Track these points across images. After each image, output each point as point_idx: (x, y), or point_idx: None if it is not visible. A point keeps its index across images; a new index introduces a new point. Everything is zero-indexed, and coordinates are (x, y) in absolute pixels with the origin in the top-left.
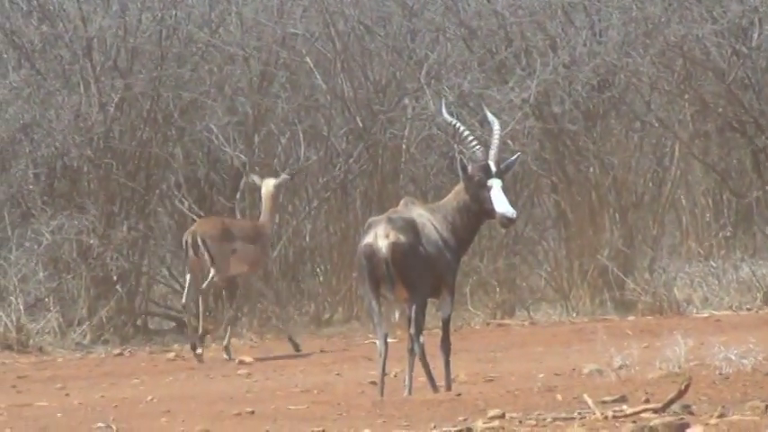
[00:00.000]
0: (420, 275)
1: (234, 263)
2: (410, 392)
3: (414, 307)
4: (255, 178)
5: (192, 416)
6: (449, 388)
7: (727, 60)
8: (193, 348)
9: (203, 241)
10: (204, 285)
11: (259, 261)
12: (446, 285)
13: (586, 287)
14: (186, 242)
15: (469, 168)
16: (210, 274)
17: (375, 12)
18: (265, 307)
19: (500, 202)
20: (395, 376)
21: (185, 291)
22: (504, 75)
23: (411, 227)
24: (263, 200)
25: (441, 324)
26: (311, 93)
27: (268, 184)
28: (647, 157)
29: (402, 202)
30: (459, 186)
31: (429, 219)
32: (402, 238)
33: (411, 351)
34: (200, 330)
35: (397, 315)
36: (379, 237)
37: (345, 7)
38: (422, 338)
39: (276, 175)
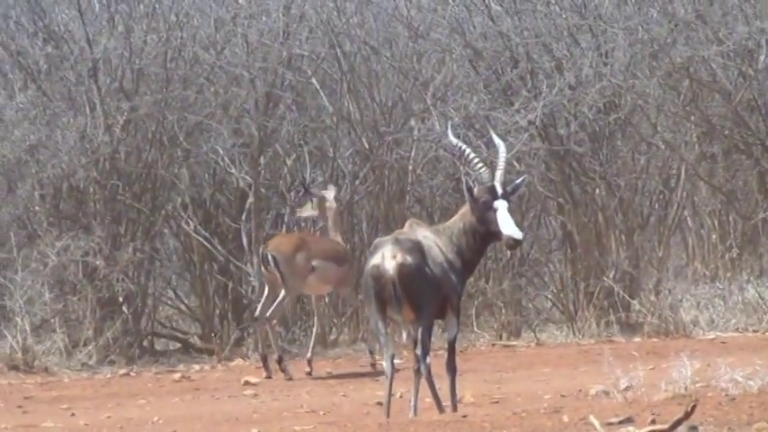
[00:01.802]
0: (426, 297)
1: (313, 282)
2: (416, 414)
3: (420, 328)
4: (318, 191)
5: None
6: (455, 409)
7: (734, 82)
8: (271, 360)
9: (273, 258)
10: (274, 306)
11: (345, 279)
12: (452, 307)
13: (592, 308)
14: (261, 255)
15: (475, 190)
16: (281, 294)
17: (381, 33)
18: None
19: (506, 224)
20: (400, 397)
21: (260, 304)
22: (509, 96)
23: (418, 248)
24: (329, 215)
25: (446, 345)
26: (317, 114)
27: (329, 195)
28: (654, 179)
29: (407, 223)
30: (465, 208)
31: (434, 240)
32: (409, 259)
33: (417, 372)
34: (264, 349)
35: (404, 336)
36: (387, 258)
37: (351, 28)
38: (428, 359)
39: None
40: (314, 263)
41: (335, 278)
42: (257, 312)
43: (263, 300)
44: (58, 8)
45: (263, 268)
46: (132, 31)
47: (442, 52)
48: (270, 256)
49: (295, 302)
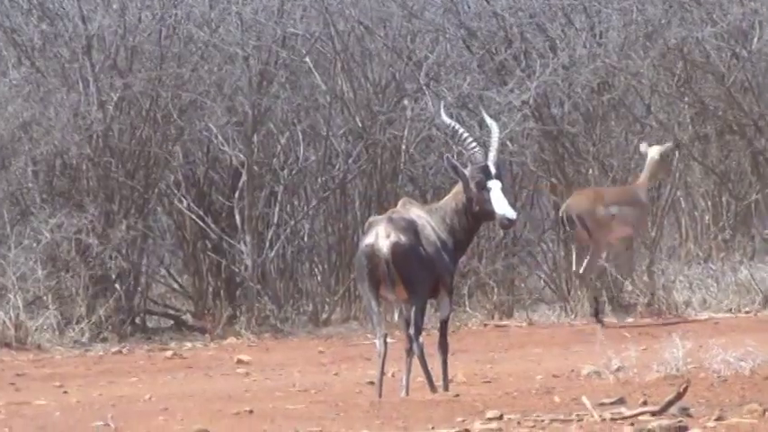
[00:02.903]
0: (420, 276)
1: (615, 226)
2: (407, 393)
3: (413, 307)
4: (642, 146)
5: (190, 414)
6: (447, 389)
7: (727, 63)
8: (595, 315)
9: (578, 216)
10: (586, 262)
11: (639, 222)
12: (444, 286)
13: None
14: (561, 218)
15: (468, 170)
16: (591, 248)
17: (375, 12)
18: (263, 306)
19: (500, 204)
20: (392, 376)
21: (573, 263)
22: (503, 76)
23: (411, 227)
24: (646, 165)
25: (439, 325)
26: (310, 93)
27: (653, 151)
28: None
29: (400, 202)
30: (458, 188)
31: (427, 220)
32: (403, 238)
33: (409, 351)
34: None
35: (396, 315)
36: (380, 237)
37: (345, 7)
38: (421, 339)
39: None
40: (612, 210)
41: (633, 219)
42: (578, 270)
43: (573, 258)
44: None
45: (568, 228)
46: (126, 8)
47: (436, 32)
48: (574, 216)
49: (604, 251)
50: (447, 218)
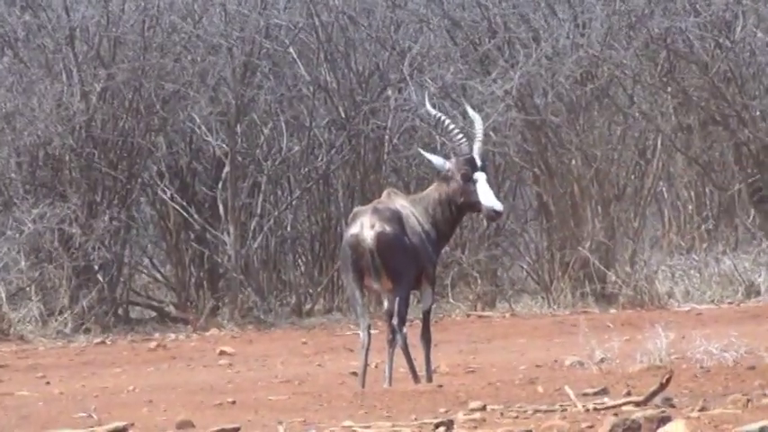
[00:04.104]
0: (404, 266)
1: None
2: (390, 384)
3: (397, 298)
4: None
5: (174, 406)
6: (430, 379)
7: (711, 53)
8: None
9: None
10: None
11: None
12: (427, 277)
13: (568, 279)
14: None
15: (454, 161)
16: None
17: (359, 2)
18: (246, 297)
19: (486, 196)
20: (376, 367)
21: None
22: (486, 66)
23: (396, 218)
24: None
25: (421, 315)
26: (294, 83)
27: None
28: (630, 150)
29: (384, 193)
30: (442, 178)
31: (411, 210)
32: (388, 228)
33: (391, 342)
34: None
35: (385, 305)
36: (365, 227)
37: None
38: (404, 329)
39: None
40: None
41: None
42: None
43: None
44: None
45: None
46: None
47: (420, 22)
48: None
49: None
50: (430, 208)
